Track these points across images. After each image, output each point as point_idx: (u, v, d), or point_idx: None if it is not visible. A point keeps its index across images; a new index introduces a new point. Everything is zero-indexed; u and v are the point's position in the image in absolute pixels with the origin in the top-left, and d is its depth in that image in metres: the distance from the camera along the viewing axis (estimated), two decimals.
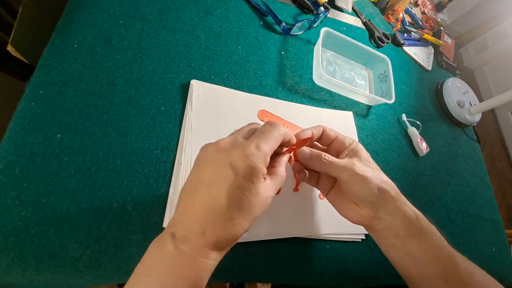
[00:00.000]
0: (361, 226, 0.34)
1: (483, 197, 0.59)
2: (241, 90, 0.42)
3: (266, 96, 0.43)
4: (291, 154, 0.33)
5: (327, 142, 0.35)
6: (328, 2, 0.60)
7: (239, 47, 0.46)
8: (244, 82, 0.43)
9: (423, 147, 0.54)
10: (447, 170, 0.57)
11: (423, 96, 0.65)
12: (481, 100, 0.67)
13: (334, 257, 0.38)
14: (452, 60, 0.77)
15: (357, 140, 0.48)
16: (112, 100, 0.34)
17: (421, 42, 0.72)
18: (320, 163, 0.31)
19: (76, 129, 0.31)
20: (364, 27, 0.64)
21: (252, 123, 0.30)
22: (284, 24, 0.50)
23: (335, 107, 0.50)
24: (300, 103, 0.46)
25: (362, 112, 0.52)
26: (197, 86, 0.39)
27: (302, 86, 0.48)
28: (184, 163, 0.34)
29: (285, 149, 0.32)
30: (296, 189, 0.38)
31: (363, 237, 0.40)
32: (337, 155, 0.34)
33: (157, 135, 0.35)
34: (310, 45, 0.54)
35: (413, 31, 0.72)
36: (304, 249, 0.37)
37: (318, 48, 0.49)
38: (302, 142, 0.32)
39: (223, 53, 0.44)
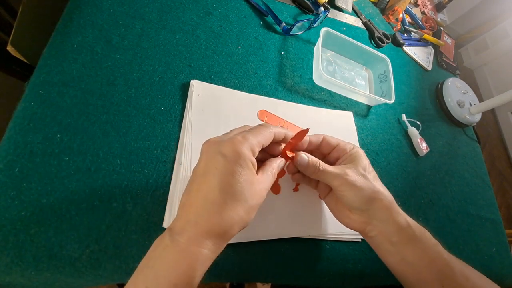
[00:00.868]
0: None
1: (483, 197, 0.59)
2: (241, 90, 0.42)
3: (266, 96, 0.43)
4: (290, 155, 0.33)
5: (328, 149, 0.35)
6: (328, 2, 0.60)
7: (239, 47, 0.46)
8: (244, 82, 0.43)
9: (423, 147, 0.54)
10: (447, 170, 0.57)
11: (423, 96, 0.65)
12: (481, 100, 0.67)
13: (334, 257, 0.38)
14: (452, 60, 0.77)
15: (357, 141, 0.48)
16: (112, 100, 0.34)
17: (421, 42, 0.72)
18: (314, 170, 0.31)
19: (76, 129, 0.31)
20: (364, 27, 0.64)
21: (247, 126, 0.31)
22: (284, 24, 0.50)
23: (335, 107, 0.50)
24: (300, 103, 0.46)
25: (362, 112, 0.52)
26: (197, 86, 0.39)
27: (302, 86, 0.48)
28: (184, 163, 0.34)
29: (283, 145, 0.33)
30: (296, 189, 0.38)
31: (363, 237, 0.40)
32: (337, 160, 0.34)
33: (157, 135, 0.35)
34: (310, 45, 0.54)
35: (413, 31, 0.72)
36: (304, 249, 0.36)
37: (318, 48, 0.49)
38: (299, 135, 0.32)
39: (223, 53, 0.44)
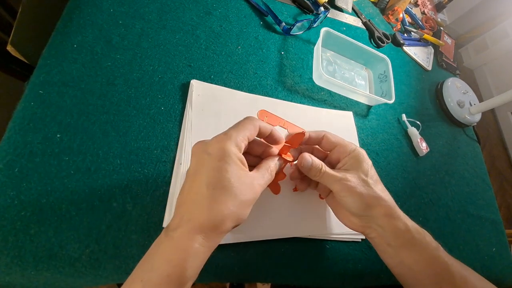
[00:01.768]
0: None
1: (483, 197, 0.59)
2: (241, 90, 0.42)
3: (266, 96, 0.43)
4: (290, 159, 0.32)
5: (328, 147, 0.35)
6: (328, 2, 0.60)
7: (239, 47, 0.46)
8: (244, 82, 0.43)
9: (423, 147, 0.54)
10: (447, 170, 0.57)
11: (423, 96, 0.65)
12: (481, 100, 0.67)
13: (334, 257, 0.38)
14: (452, 60, 0.77)
15: (357, 141, 0.48)
16: (111, 100, 0.34)
17: (421, 42, 0.72)
18: (317, 173, 0.32)
19: (75, 129, 0.31)
20: (364, 27, 0.64)
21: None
22: (284, 24, 0.50)
23: (335, 107, 0.50)
24: (300, 103, 0.46)
25: (362, 112, 0.52)
26: (197, 86, 0.39)
27: (302, 86, 0.48)
28: (184, 163, 0.34)
29: (274, 148, 0.32)
30: (296, 189, 0.38)
31: (363, 237, 0.40)
32: (337, 160, 0.34)
33: (156, 135, 0.35)
34: (310, 45, 0.53)
35: (413, 31, 0.72)
36: (304, 249, 0.36)
37: (318, 48, 0.49)
38: (295, 138, 0.32)
39: (223, 53, 0.44)
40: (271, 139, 0.31)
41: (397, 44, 0.67)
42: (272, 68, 0.47)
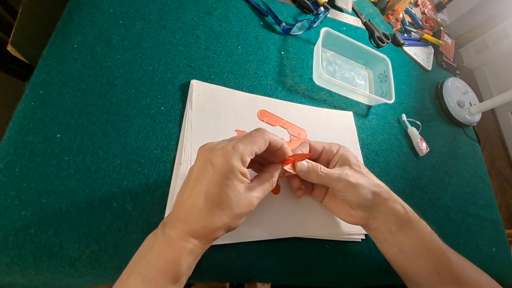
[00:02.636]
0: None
1: (483, 197, 0.59)
2: (241, 90, 0.42)
3: (266, 96, 0.43)
4: (292, 172, 0.32)
5: (316, 154, 0.35)
6: (328, 2, 0.60)
7: (239, 47, 0.46)
8: (244, 82, 0.43)
9: (423, 147, 0.54)
10: (447, 170, 0.57)
11: (423, 96, 0.65)
12: (481, 100, 0.67)
13: (334, 257, 0.38)
14: (452, 60, 0.77)
15: (357, 140, 0.48)
16: (112, 100, 0.34)
17: (421, 42, 0.72)
18: (317, 176, 0.32)
19: (76, 129, 0.31)
20: (364, 27, 0.64)
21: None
22: (284, 24, 0.50)
23: (335, 107, 0.50)
24: (300, 103, 0.46)
25: (362, 112, 0.52)
26: (197, 86, 0.39)
27: (302, 86, 0.48)
28: (184, 163, 0.34)
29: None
30: None
31: (363, 237, 0.40)
32: (327, 163, 0.35)
33: (157, 135, 0.35)
34: (310, 45, 0.53)
35: (413, 31, 0.72)
36: (304, 249, 0.36)
37: (318, 48, 0.49)
38: (301, 156, 0.32)
39: (223, 53, 0.44)
40: (280, 152, 0.31)
41: (397, 44, 0.67)
42: (272, 68, 0.47)
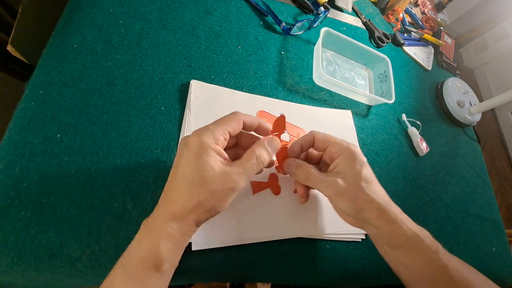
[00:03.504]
0: None
1: (483, 197, 0.59)
2: (241, 90, 0.42)
3: (266, 96, 0.43)
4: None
5: (321, 147, 0.33)
6: (328, 2, 0.60)
7: (239, 47, 0.46)
8: (244, 82, 0.43)
9: (423, 147, 0.54)
10: (447, 170, 0.57)
11: (423, 96, 0.65)
12: (481, 100, 0.67)
13: (334, 257, 0.38)
14: (452, 60, 0.77)
15: (357, 140, 0.48)
16: (112, 100, 0.34)
17: (421, 42, 0.72)
18: (305, 177, 0.32)
19: (76, 129, 0.31)
20: (364, 27, 0.64)
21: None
22: (284, 24, 0.50)
23: (335, 107, 0.50)
24: (300, 103, 0.46)
25: (362, 112, 0.52)
26: (196, 86, 0.39)
27: (302, 86, 0.48)
28: None
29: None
30: (296, 191, 0.38)
31: (363, 237, 0.40)
32: (332, 161, 0.33)
33: (157, 135, 0.35)
34: (310, 45, 0.53)
35: (413, 31, 0.72)
36: (304, 249, 0.36)
37: (318, 48, 0.49)
38: (278, 123, 0.32)
39: (223, 53, 0.44)
40: (260, 130, 0.31)
41: (397, 44, 0.67)
42: (272, 68, 0.47)
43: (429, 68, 0.70)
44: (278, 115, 0.42)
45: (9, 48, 0.53)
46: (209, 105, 0.38)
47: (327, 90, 0.51)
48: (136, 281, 0.23)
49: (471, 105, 0.66)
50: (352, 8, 0.64)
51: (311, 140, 0.34)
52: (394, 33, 0.67)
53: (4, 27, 0.60)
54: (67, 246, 0.27)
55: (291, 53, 0.50)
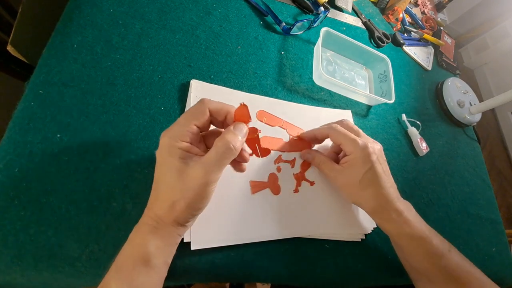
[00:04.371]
0: (361, 226, 0.37)
1: (483, 197, 0.59)
2: (241, 90, 0.42)
3: (265, 96, 0.43)
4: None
5: (336, 142, 0.37)
6: (328, 2, 0.60)
7: (239, 47, 0.46)
8: (244, 82, 0.43)
9: (423, 147, 0.54)
10: (447, 170, 0.57)
11: (423, 96, 0.65)
12: (481, 100, 0.67)
13: (334, 257, 0.38)
14: (452, 60, 0.77)
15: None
16: (111, 100, 0.34)
17: (421, 42, 0.72)
18: (318, 163, 0.39)
19: (75, 129, 0.31)
20: (364, 27, 0.64)
21: None
22: (284, 24, 0.50)
23: (335, 107, 0.50)
24: (300, 103, 0.46)
25: (362, 112, 0.52)
26: (196, 86, 0.39)
27: (302, 86, 0.48)
28: None
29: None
30: (296, 190, 0.38)
31: (363, 237, 0.40)
32: (345, 155, 0.37)
33: (156, 135, 0.35)
34: (310, 45, 0.53)
35: (413, 31, 0.72)
36: (304, 249, 0.36)
37: (318, 48, 0.49)
38: (239, 112, 0.28)
39: (223, 53, 0.44)
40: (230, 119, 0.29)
41: (397, 44, 0.67)
42: (272, 68, 0.47)
43: (429, 68, 0.70)
44: (278, 115, 0.42)
45: (9, 48, 0.53)
46: None
47: (327, 90, 0.51)
48: (126, 276, 0.24)
49: (471, 105, 0.66)
50: (352, 8, 0.64)
51: (325, 134, 0.37)
52: (394, 33, 0.67)
53: (4, 27, 0.60)
54: (66, 246, 0.27)
55: (291, 53, 0.50)
